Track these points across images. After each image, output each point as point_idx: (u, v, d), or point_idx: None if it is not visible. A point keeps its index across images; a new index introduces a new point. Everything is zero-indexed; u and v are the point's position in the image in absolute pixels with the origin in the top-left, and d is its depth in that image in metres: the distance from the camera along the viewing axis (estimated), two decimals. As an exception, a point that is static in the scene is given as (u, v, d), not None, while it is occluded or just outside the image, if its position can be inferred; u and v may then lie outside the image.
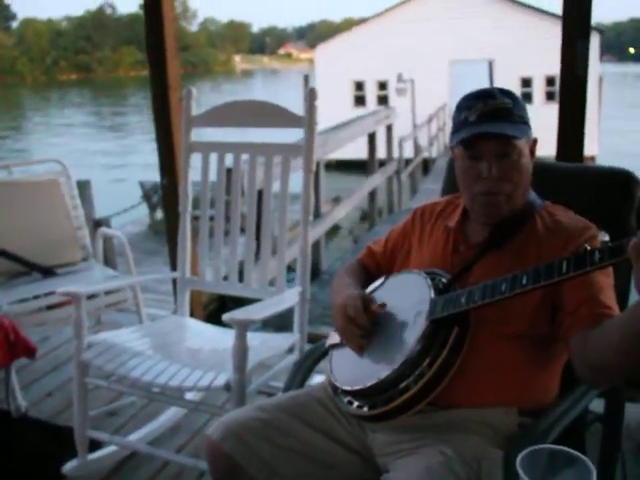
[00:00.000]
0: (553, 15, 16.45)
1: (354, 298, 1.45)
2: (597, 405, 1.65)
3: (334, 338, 1.56)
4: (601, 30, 20.42)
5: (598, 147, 18.08)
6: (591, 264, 1.12)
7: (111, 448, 2.36)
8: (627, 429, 1.96)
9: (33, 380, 3.03)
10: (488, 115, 1.40)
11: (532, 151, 1.48)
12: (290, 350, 2.29)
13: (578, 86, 2.30)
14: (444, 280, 1.44)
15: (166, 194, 3.33)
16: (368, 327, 1.43)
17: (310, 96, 2.26)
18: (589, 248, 1.14)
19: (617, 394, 1.64)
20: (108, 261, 5.45)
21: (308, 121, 2.27)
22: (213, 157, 2.51)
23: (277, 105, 2.39)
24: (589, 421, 1.68)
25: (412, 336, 1.34)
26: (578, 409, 1.45)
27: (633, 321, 1.12)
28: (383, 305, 1.45)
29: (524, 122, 1.44)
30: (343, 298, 1.48)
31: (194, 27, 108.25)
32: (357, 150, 12.36)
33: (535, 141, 1.49)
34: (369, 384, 1.34)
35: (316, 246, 8.61)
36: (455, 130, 1.46)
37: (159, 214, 8.78)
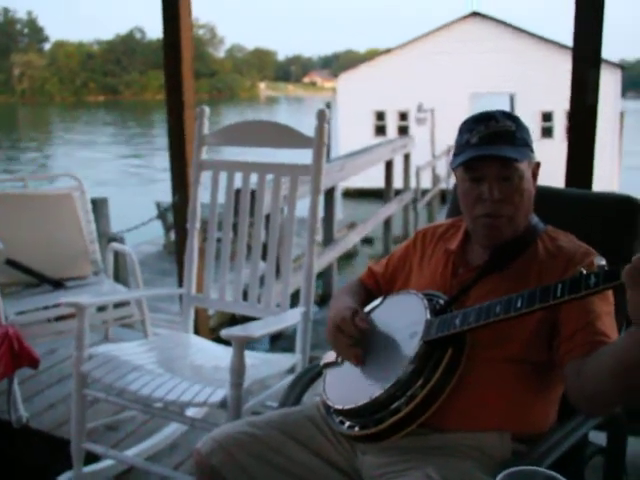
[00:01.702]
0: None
1: (343, 309, 1.47)
2: (600, 438, 1.62)
3: (329, 357, 1.55)
4: (623, 66, 20.40)
5: (619, 183, 17.99)
6: (586, 288, 1.11)
7: (108, 462, 2.35)
8: (630, 463, 1.92)
9: (37, 392, 3.04)
10: (489, 137, 1.40)
11: (535, 174, 1.47)
12: (291, 370, 2.27)
13: (588, 115, 2.29)
14: (441, 302, 1.43)
15: (177, 211, 3.36)
16: (357, 336, 1.43)
17: (320, 117, 2.28)
18: (585, 272, 1.12)
19: (619, 426, 1.61)
20: (120, 278, 5.49)
21: (317, 142, 2.28)
22: (223, 176, 2.53)
23: (287, 126, 2.41)
24: (591, 454, 1.64)
25: (405, 357, 1.34)
26: (574, 438, 1.43)
27: (624, 349, 1.11)
28: (365, 320, 1.46)
29: (526, 145, 1.43)
30: (334, 311, 1.49)
31: (221, 53, 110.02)
32: (375, 179, 12.40)
33: (538, 164, 1.48)
34: (360, 404, 1.34)
35: (328, 271, 8.58)
36: (457, 152, 1.46)
37: (174, 235, 8.84)
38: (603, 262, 1.12)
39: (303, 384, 1.72)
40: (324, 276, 8.56)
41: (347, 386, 1.44)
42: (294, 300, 2.43)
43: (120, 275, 5.54)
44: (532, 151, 1.45)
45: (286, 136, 2.40)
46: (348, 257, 10.38)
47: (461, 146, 1.45)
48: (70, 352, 3.39)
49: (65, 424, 2.69)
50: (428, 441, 1.36)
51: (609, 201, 1.76)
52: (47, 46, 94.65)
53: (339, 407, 1.40)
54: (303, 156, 2.38)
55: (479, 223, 1.44)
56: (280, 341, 5.66)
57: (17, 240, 3.12)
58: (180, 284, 3.07)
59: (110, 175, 21.27)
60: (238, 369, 1.86)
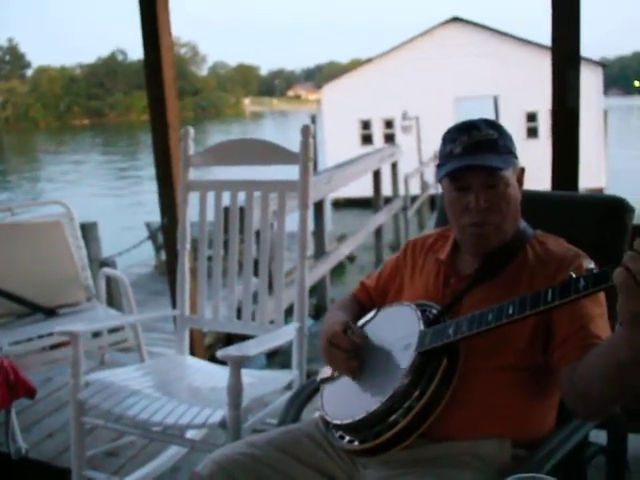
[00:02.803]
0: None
1: (335, 324, 1.48)
2: (601, 437, 1.62)
3: (325, 372, 1.55)
4: (604, 64, 20.57)
5: (605, 178, 18.11)
6: (576, 292, 1.11)
7: (109, 489, 2.33)
8: (633, 460, 1.92)
9: (34, 421, 3.02)
10: (472, 147, 1.41)
11: (520, 181, 1.48)
12: (289, 387, 2.27)
13: (570, 117, 2.31)
14: (434, 312, 1.43)
15: (166, 233, 3.35)
16: (350, 349, 1.43)
17: (304, 133, 2.29)
18: (574, 276, 1.13)
19: (619, 424, 1.61)
20: (113, 302, 5.47)
21: (303, 157, 2.29)
22: (211, 196, 2.53)
23: (272, 143, 2.42)
24: (592, 454, 1.64)
25: (401, 369, 1.34)
26: (574, 440, 1.43)
27: (613, 349, 1.11)
28: (360, 335, 1.46)
29: (509, 152, 1.44)
30: (326, 327, 1.50)
31: (204, 71, 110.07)
32: (364, 188, 12.42)
33: (522, 170, 1.49)
34: (358, 418, 1.33)
35: (321, 284, 8.57)
36: (441, 163, 1.47)
37: (164, 255, 8.81)
38: (592, 265, 1.13)
39: (301, 401, 1.72)
40: (317, 289, 8.55)
41: (344, 401, 1.44)
42: (288, 314, 2.43)
43: (113, 299, 5.52)
44: (516, 157, 1.46)
45: (272, 153, 2.41)
46: (340, 267, 10.36)
47: (445, 156, 1.45)
48: (66, 379, 3.36)
49: (65, 453, 2.68)
50: (428, 452, 1.36)
51: (597, 202, 1.76)
52: (29, 72, 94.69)
53: (337, 422, 1.40)
54: (291, 170, 2.39)
55: (467, 232, 1.44)
56: (277, 357, 5.65)
57: (8, 270, 3.12)
58: (173, 305, 3.07)
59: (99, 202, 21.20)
60: (235, 389, 1.86)
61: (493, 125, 1.46)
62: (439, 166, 1.47)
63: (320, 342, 1.52)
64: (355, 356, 1.44)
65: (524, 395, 1.38)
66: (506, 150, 1.43)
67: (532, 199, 1.58)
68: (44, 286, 3.21)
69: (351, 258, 11.65)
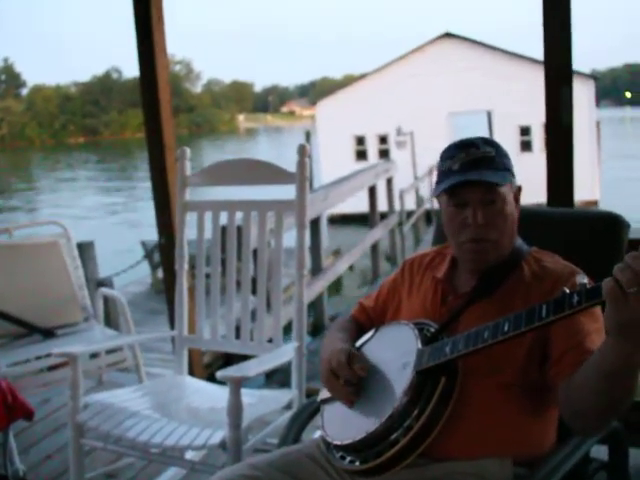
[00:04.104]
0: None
1: (338, 352, 1.47)
2: (602, 452, 1.62)
3: (326, 393, 1.55)
4: (595, 77, 20.73)
5: (600, 190, 18.20)
6: (570, 307, 1.12)
7: (109, 512, 2.32)
8: (635, 476, 1.92)
9: (32, 443, 3.00)
10: (470, 164, 1.42)
11: (517, 198, 1.50)
12: (288, 406, 2.27)
13: (564, 132, 2.33)
14: (432, 330, 1.44)
15: (164, 253, 3.35)
16: (353, 381, 1.43)
17: (300, 152, 2.30)
18: (568, 292, 1.14)
19: (620, 440, 1.61)
20: (111, 321, 5.46)
21: (299, 177, 2.30)
22: (209, 215, 2.54)
23: (268, 162, 2.43)
24: (593, 470, 1.64)
25: (399, 388, 1.34)
26: (576, 457, 1.43)
27: (601, 359, 1.13)
28: (364, 368, 1.44)
29: (507, 169, 1.46)
30: (329, 353, 1.49)
31: (198, 88, 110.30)
32: (360, 203, 12.45)
33: (519, 189, 1.51)
34: (358, 438, 1.34)
35: (318, 300, 8.57)
36: (439, 180, 1.48)
37: (161, 273, 8.79)
38: (585, 280, 1.14)
39: (301, 422, 1.71)
40: (315, 305, 8.54)
41: (344, 421, 1.44)
42: (285, 330, 2.43)
43: (110, 318, 5.51)
44: (513, 176, 1.48)
45: (268, 173, 2.42)
46: (337, 281, 10.35)
47: (443, 173, 1.47)
48: (64, 400, 3.36)
49: (63, 474, 2.66)
50: (429, 471, 1.36)
51: (593, 218, 1.78)
52: (25, 91, 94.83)
53: (338, 443, 1.40)
54: (287, 188, 2.39)
55: (465, 249, 1.46)
56: (275, 375, 5.63)
57: (5, 290, 3.11)
58: (171, 326, 3.06)
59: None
60: (235, 410, 1.85)
61: (490, 143, 1.48)
62: (437, 183, 1.49)
63: (321, 367, 1.52)
64: (357, 389, 1.44)
65: (524, 412, 1.39)
66: (503, 167, 1.45)
67: (528, 215, 1.60)
68: (42, 306, 3.21)
69: (350, 266, 11.61)
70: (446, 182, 1.44)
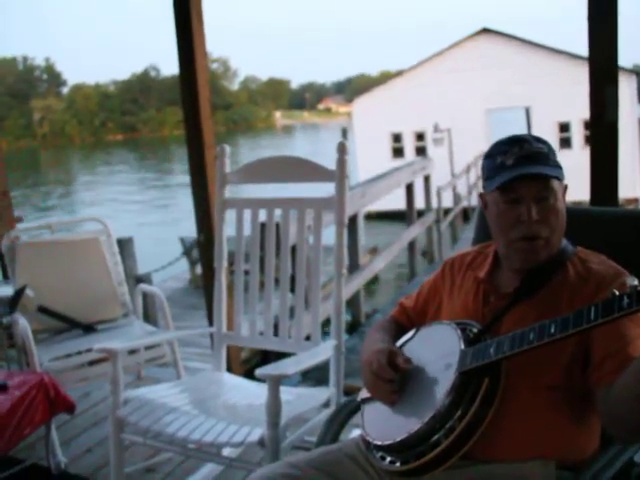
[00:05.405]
0: (584, 58, 16.44)
1: (379, 353, 1.45)
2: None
3: (366, 392, 1.54)
4: (638, 72, 20.27)
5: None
6: (619, 310, 1.09)
7: (148, 506, 2.35)
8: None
9: (73, 436, 3.06)
10: (525, 158, 1.39)
11: (563, 197, 1.46)
12: (326, 404, 2.26)
13: (609, 130, 2.28)
14: (475, 331, 1.42)
15: (203, 250, 3.38)
16: (395, 381, 1.41)
17: (340, 150, 2.29)
18: (617, 294, 1.11)
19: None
20: (149, 317, 5.53)
21: (339, 175, 2.29)
22: (248, 213, 2.54)
23: (308, 160, 2.42)
24: (637, 475, 1.61)
25: (442, 389, 1.33)
26: (621, 462, 1.41)
27: None
28: (408, 360, 1.44)
29: (559, 167, 1.43)
30: (369, 354, 1.48)
31: (235, 86, 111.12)
32: (396, 201, 12.40)
33: (566, 187, 1.48)
34: (399, 439, 1.33)
35: (355, 298, 8.55)
36: (490, 176, 1.45)
37: (199, 269, 8.89)
38: (636, 282, 1.10)
39: (340, 421, 1.71)
40: (352, 303, 8.53)
41: (385, 421, 1.43)
42: (323, 327, 2.41)
43: (149, 313, 5.58)
44: (563, 173, 1.45)
45: (307, 170, 2.41)
46: (373, 279, 10.31)
47: (494, 169, 1.43)
48: (104, 394, 3.43)
49: (103, 467, 2.70)
50: (471, 473, 1.34)
51: (638, 217, 1.73)
52: (65, 90, 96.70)
53: (378, 443, 1.39)
54: (321, 184, 2.38)
55: (515, 246, 1.42)
56: (312, 372, 5.63)
57: (47, 287, 3.17)
58: (210, 322, 3.09)
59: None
60: (274, 408, 1.86)
61: (541, 140, 1.45)
62: (488, 179, 1.46)
63: (362, 369, 1.51)
64: (398, 389, 1.42)
65: (568, 415, 1.36)
66: (555, 164, 1.42)
67: (572, 215, 1.56)
68: (82, 302, 3.26)
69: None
70: (501, 177, 1.40)
